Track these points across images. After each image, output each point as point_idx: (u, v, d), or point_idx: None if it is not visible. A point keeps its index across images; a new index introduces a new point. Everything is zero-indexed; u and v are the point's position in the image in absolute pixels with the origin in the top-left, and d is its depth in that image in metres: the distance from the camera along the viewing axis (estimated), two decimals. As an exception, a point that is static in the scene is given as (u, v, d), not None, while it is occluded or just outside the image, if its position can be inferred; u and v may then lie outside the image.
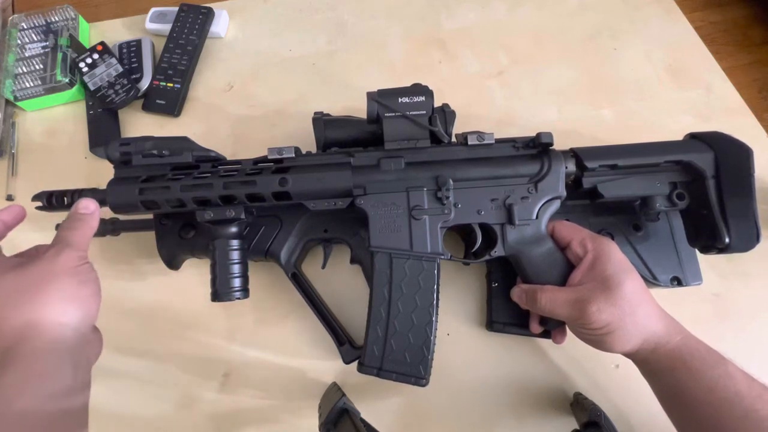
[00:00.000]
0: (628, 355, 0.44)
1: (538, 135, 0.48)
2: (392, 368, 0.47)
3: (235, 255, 0.49)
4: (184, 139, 0.51)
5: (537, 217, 0.49)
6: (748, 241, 0.47)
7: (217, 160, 0.52)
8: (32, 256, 0.39)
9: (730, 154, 0.49)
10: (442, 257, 0.48)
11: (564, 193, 0.49)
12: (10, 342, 0.33)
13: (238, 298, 0.48)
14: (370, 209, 0.48)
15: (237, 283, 0.48)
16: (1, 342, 0.34)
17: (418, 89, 0.50)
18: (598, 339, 0.44)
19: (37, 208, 0.52)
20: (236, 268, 0.49)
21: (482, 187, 0.49)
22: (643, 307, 0.43)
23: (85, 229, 0.41)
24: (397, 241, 0.48)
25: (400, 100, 0.49)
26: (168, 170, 0.50)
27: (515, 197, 0.49)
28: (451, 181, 0.48)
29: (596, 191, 0.49)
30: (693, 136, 0.52)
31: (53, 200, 0.51)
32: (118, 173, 0.51)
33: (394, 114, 0.50)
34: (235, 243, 0.49)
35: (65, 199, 0.51)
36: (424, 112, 0.50)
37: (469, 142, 0.49)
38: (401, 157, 0.49)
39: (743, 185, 0.48)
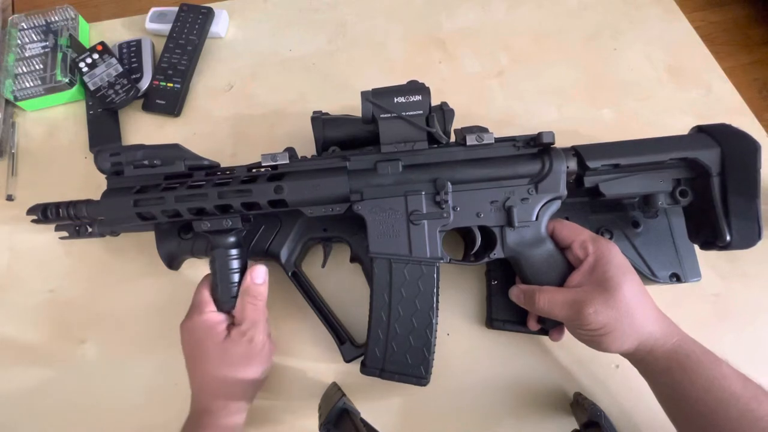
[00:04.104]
0: (624, 355, 0.45)
1: (540, 135, 0.47)
2: (394, 369, 0.47)
3: (235, 264, 0.49)
4: (176, 147, 0.51)
5: (537, 219, 0.48)
6: (749, 238, 0.47)
7: (210, 168, 0.51)
8: (238, 334, 0.47)
9: (737, 150, 0.47)
10: (442, 261, 0.48)
11: (565, 193, 0.48)
12: (210, 407, 0.46)
13: None
14: (368, 215, 0.48)
15: (237, 291, 0.49)
16: (204, 401, 0.47)
17: (414, 87, 0.49)
18: (594, 340, 0.44)
19: (33, 221, 0.53)
20: (236, 277, 0.49)
21: (481, 189, 0.48)
22: (641, 309, 0.43)
23: (263, 302, 0.49)
24: (396, 247, 0.48)
25: (395, 100, 0.48)
26: (161, 180, 0.49)
27: (515, 199, 0.48)
28: (449, 185, 0.48)
29: (597, 190, 0.49)
30: (700, 130, 0.50)
31: (48, 213, 0.51)
32: (111, 184, 0.50)
33: (389, 115, 0.48)
34: (234, 252, 0.49)
35: (60, 211, 0.51)
36: (421, 112, 0.48)
37: (468, 143, 0.48)
38: (398, 160, 0.48)
39: (748, 182, 0.46)
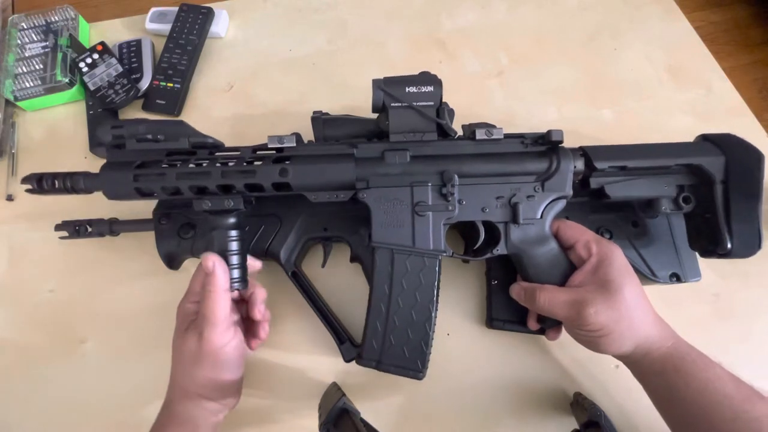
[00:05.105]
0: (620, 357, 0.45)
1: (549, 133, 0.47)
2: (391, 362, 0.47)
3: (234, 245, 0.48)
4: (180, 123, 0.49)
5: (541, 217, 0.48)
6: (750, 247, 0.47)
7: (215, 147, 0.50)
8: (192, 329, 0.45)
9: (741, 160, 0.48)
10: (444, 254, 0.48)
11: (570, 193, 0.48)
12: (172, 397, 0.45)
13: (237, 289, 0.47)
14: (373, 203, 0.48)
15: (236, 274, 0.47)
16: (169, 392, 0.46)
17: (427, 78, 0.48)
18: (593, 340, 0.44)
19: (27, 191, 0.49)
20: (235, 259, 0.47)
21: (488, 184, 0.48)
22: (639, 312, 0.43)
23: (217, 294, 0.43)
24: (400, 237, 0.47)
25: (407, 89, 0.48)
26: (163, 156, 0.48)
27: (521, 196, 0.48)
28: (456, 177, 0.47)
29: (603, 192, 0.49)
30: (705, 138, 0.51)
31: (43, 183, 0.48)
32: (111, 157, 0.49)
33: (400, 104, 0.48)
34: (233, 233, 0.48)
35: (56, 182, 0.48)
36: (432, 103, 0.48)
37: (477, 137, 0.48)
38: (406, 149, 0.48)
39: (751, 191, 0.47)
